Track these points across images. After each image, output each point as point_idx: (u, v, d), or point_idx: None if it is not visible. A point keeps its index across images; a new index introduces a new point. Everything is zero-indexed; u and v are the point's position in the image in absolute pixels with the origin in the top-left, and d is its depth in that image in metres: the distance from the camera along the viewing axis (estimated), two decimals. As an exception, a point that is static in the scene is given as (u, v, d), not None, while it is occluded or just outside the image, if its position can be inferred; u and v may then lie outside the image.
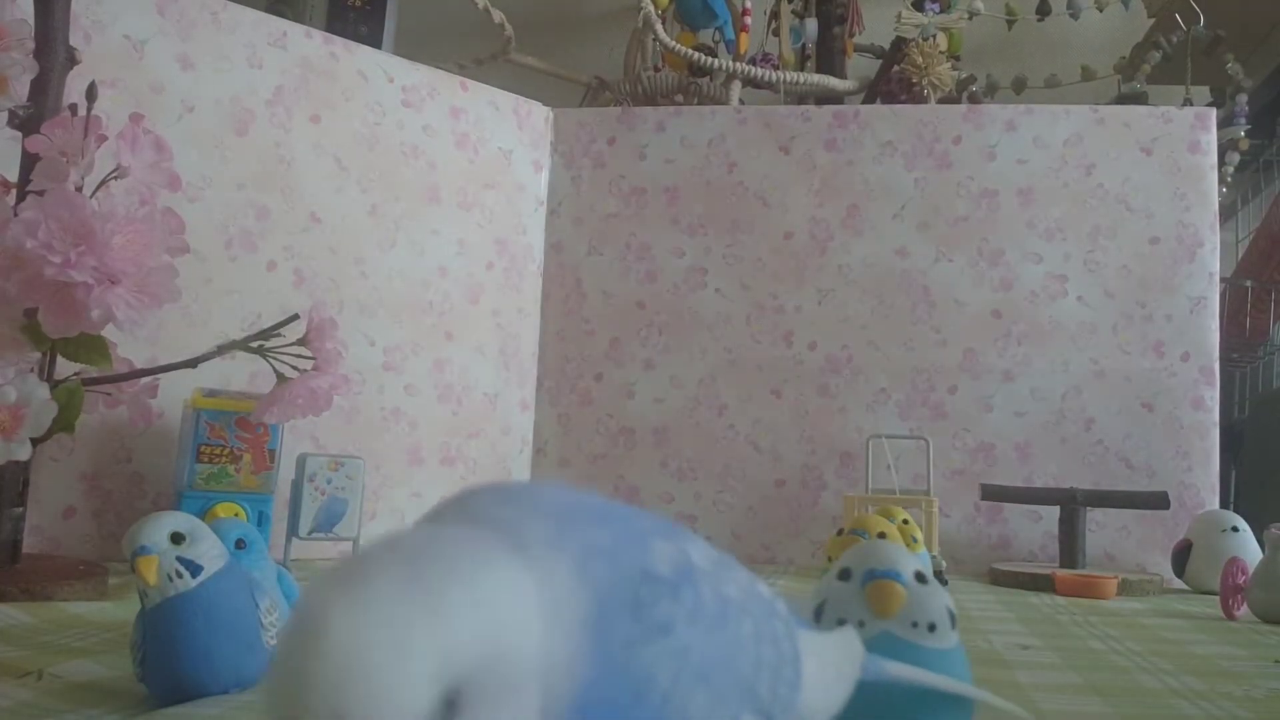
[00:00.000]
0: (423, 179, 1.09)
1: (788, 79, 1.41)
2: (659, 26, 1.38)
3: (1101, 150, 1.15)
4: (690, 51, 1.38)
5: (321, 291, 1.00)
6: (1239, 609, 0.82)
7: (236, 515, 0.82)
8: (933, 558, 0.92)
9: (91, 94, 0.66)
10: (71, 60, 0.72)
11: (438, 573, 0.18)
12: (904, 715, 0.35)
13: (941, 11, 1.42)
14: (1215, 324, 1.12)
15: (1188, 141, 1.14)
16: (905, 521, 0.78)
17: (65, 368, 0.69)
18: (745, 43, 1.48)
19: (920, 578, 0.37)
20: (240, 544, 0.51)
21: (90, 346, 0.67)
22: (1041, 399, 1.12)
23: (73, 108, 0.66)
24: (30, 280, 0.61)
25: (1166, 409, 1.11)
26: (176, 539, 0.43)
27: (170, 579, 0.42)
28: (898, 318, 1.16)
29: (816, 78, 1.46)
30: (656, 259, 1.20)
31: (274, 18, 1.02)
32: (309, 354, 0.72)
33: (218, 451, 0.82)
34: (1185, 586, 1.01)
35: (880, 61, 1.51)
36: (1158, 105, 1.20)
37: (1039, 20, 1.51)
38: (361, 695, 0.17)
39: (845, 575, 0.37)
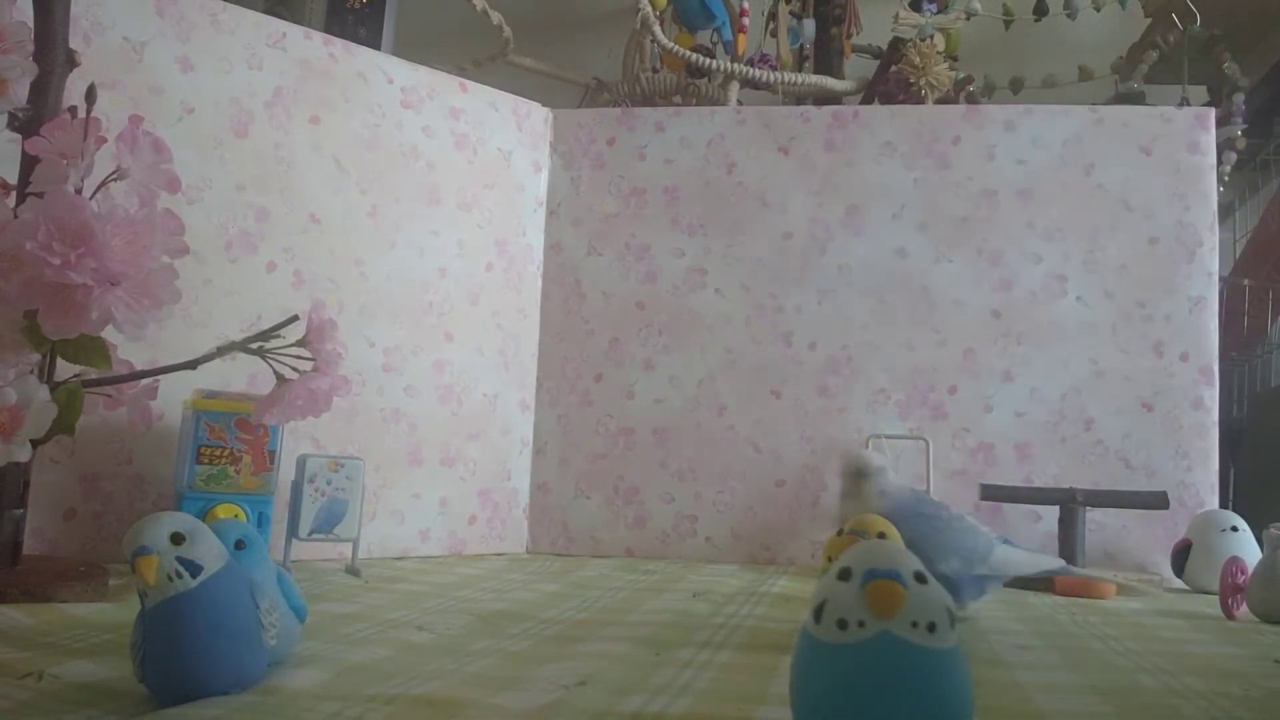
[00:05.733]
0: (422, 180, 1.10)
1: (786, 80, 1.41)
2: (657, 28, 1.38)
3: (1100, 150, 1.15)
4: (688, 52, 1.38)
5: (321, 293, 1.00)
6: (1238, 608, 0.82)
7: (236, 516, 0.82)
8: (932, 558, 0.91)
9: (91, 96, 0.66)
10: (71, 62, 0.72)
11: None
12: (906, 716, 0.35)
13: (939, 12, 1.42)
14: (1214, 324, 1.12)
15: (1186, 141, 1.14)
16: (905, 521, 0.78)
17: (65, 369, 0.69)
18: (743, 44, 1.48)
19: (920, 578, 0.37)
20: (240, 545, 0.52)
21: (90, 348, 0.67)
22: (1041, 399, 1.12)
23: (72, 110, 0.66)
24: (30, 282, 0.62)
25: (1166, 409, 1.11)
26: (176, 539, 0.43)
27: (170, 579, 0.42)
28: (898, 318, 1.16)
29: (814, 78, 1.46)
30: (656, 259, 1.20)
31: (273, 19, 1.02)
32: (309, 355, 0.72)
33: (218, 453, 0.83)
34: (1185, 586, 1.01)
35: (878, 62, 1.51)
36: (1155, 105, 1.20)
37: (1036, 20, 1.51)
38: None
39: (845, 575, 0.37)
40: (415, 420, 1.07)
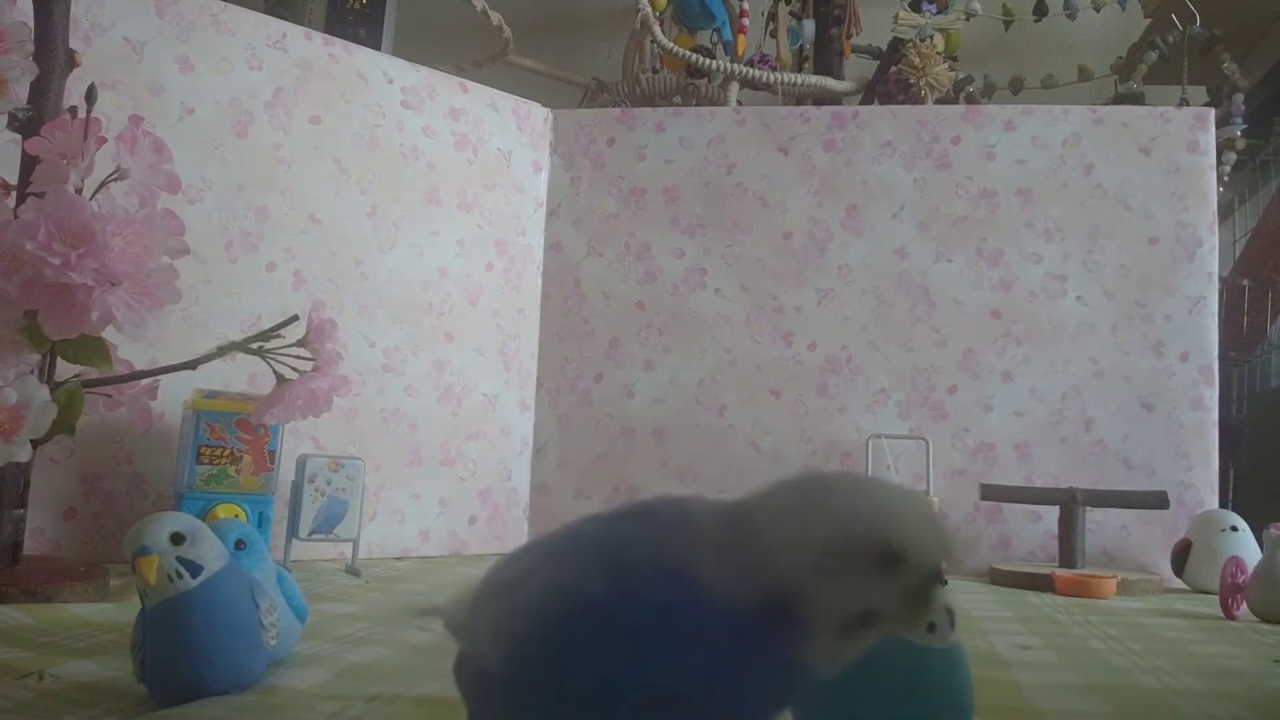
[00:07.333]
0: (422, 180, 1.09)
1: (785, 80, 1.41)
2: (657, 28, 1.38)
3: (1100, 150, 1.15)
4: (688, 53, 1.38)
5: (321, 293, 1.00)
6: (1238, 608, 0.82)
7: (236, 516, 0.82)
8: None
9: (91, 96, 0.66)
10: (71, 62, 0.72)
11: None
12: (906, 715, 0.35)
13: (939, 12, 1.42)
14: (1214, 324, 1.12)
15: (1186, 141, 1.14)
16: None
17: (65, 369, 0.69)
18: (743, 44, 1.48)
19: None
20: (240, 545, 0.52)
21: (90, 348, 0.67)
22: (1041, 399, 1.12)
23: (72, 110, 0.66)
24: (30, 282, 0.62)
25: (1166, 409, 1.11)
26: (177, 539, 0.43)
27: (170, 579, 0.42)
28: (897, 318, 1.16)
29: (814, 79, 1.46)
30: (656, 259, 1.20)
31: (273, 19, 1.02)
32: (308, 355, 0.72)
33: (218, 453, 0.82)
34: (1185, 586, 1.01)
35: (878, 62, 1.51)
36: (1155, 105, 1.20)
37: (1036, 21, 1.51)
38: None
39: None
40: (415, 420, 1.07)
